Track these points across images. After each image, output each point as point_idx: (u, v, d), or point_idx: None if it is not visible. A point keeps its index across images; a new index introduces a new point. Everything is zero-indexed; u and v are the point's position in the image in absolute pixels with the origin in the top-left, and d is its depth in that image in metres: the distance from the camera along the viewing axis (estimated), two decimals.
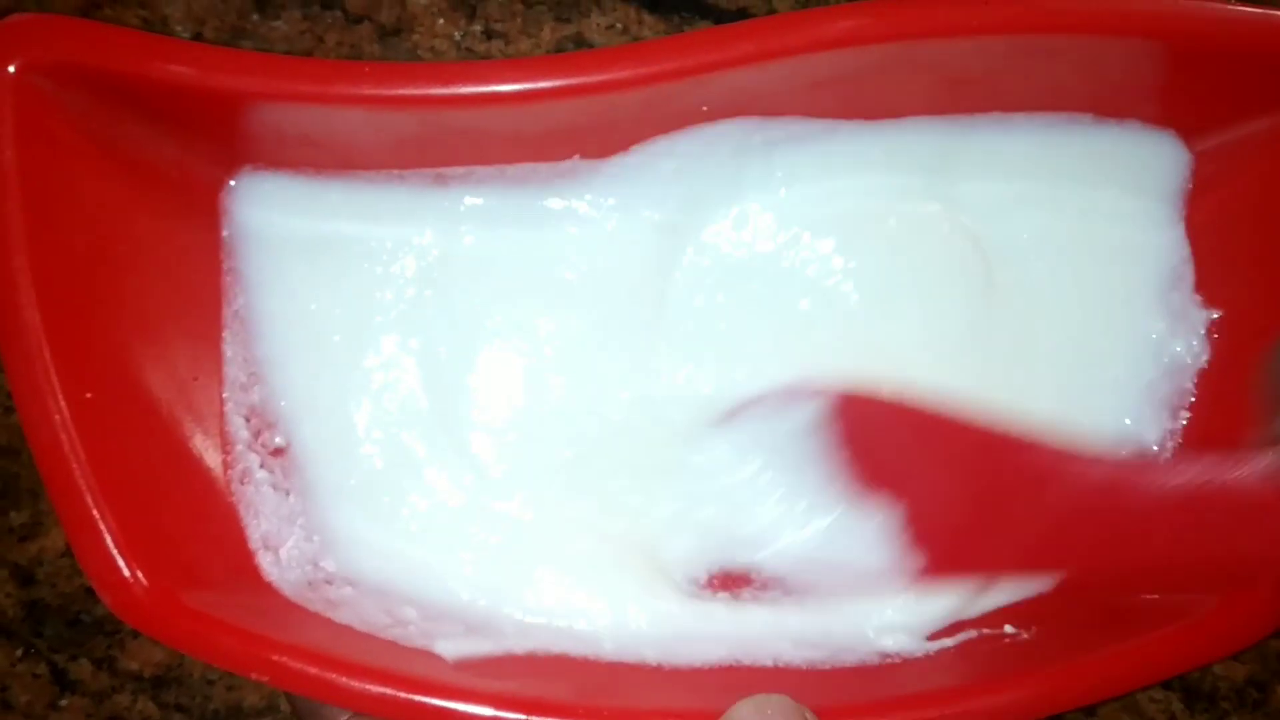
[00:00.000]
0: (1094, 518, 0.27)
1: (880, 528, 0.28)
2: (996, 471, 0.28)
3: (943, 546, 0.28)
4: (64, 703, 0.33)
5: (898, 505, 0.28)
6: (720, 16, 0.33)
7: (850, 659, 0.30)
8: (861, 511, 0.28)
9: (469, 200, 0.30)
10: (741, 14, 0.33)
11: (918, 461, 0.28)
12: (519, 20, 0.33)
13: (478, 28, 0.33)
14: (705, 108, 0.29)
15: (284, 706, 0.33)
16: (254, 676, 0.26)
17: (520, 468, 0.31)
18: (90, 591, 0.33)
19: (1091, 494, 0.27)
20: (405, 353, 0.30)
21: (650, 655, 0.29)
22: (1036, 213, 0.31)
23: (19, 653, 0.33)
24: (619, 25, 0.33)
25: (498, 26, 0.33)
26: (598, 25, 0.33)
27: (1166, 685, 0.33)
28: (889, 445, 0.29)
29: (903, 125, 0.30)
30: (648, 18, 0.33)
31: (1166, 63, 0.29)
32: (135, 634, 0.33)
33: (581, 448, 0.30)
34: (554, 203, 0.30)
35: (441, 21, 0.33)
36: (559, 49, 0.33)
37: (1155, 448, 0.31)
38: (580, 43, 0.33)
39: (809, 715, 0.26)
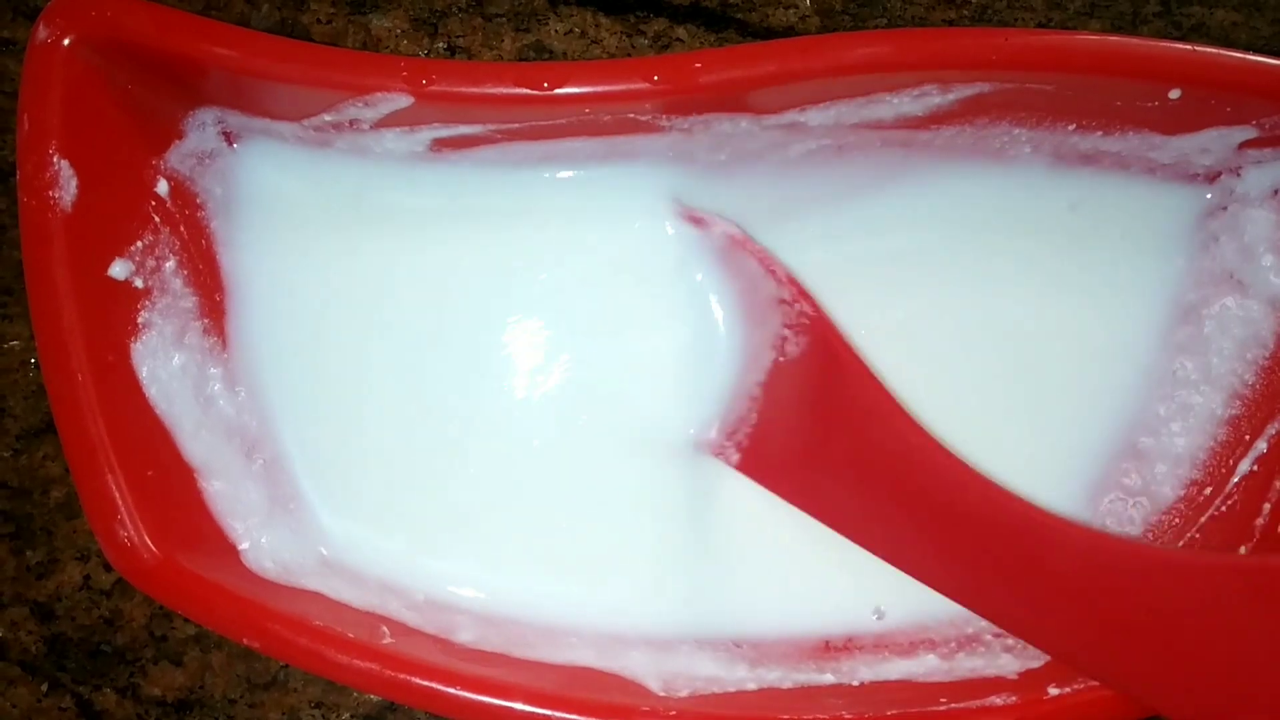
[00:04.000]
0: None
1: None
2: (869, 439, 0.29)
3: (767, 452, 0.30)
4: None
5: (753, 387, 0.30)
6: (674, 14, 0.34)
7: None
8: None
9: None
10: (694, 10, 0.34)
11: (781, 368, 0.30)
12: (480, 34, 0.34)
13: (441, 44, 0.34)
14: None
15: None
16: (245, 642, 0.28)
17: (523, 457, 0.32)
18: (109, 622, 0.34)
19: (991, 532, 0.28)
20: (411, 338, 0.32)
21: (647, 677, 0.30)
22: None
23: (44, 688, 0.34)
24: (577, 30, 0.34)
25: (460, 41, 0.34)
26: (556, 32, 0.34)
27: None
28: (766, 319, 0.31)
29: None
30: (604, 20, 0.34)
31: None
32: (156, 660, 0.34)
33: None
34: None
35: (405, 42, 0.34)
36: (521, 58, 0.34)
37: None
38: (541, 50, 0.34)
39: None
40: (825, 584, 0.31)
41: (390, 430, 0.31)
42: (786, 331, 0.30)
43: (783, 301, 0.30)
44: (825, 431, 0.30)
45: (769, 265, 0.30)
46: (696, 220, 0.31)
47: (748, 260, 0.31)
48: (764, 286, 0.30)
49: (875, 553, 0.29)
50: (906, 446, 0.29)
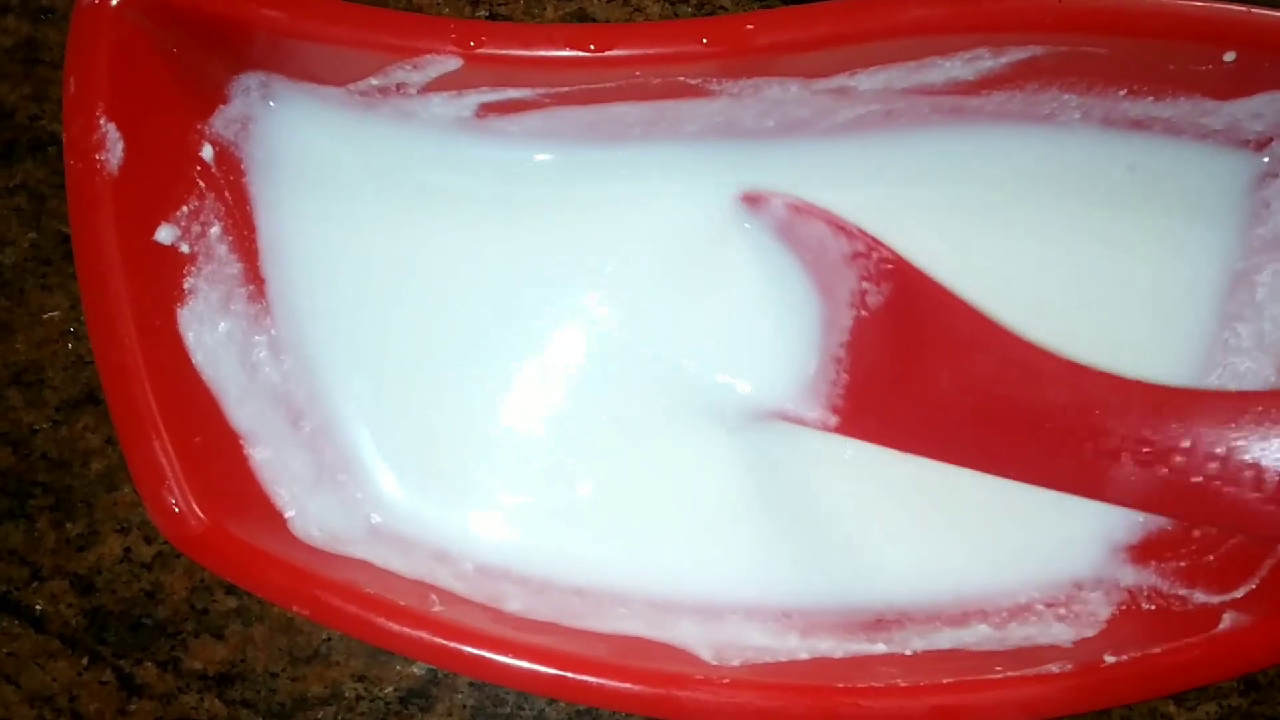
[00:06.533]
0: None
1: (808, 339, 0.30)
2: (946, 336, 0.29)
3: (866, 407, 0.30)
4: (132, 707, 0.34)
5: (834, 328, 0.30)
6: None
7: None
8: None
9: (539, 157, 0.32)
10: None
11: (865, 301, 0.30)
12: (522, 2, 0.34)
13: (483, 13, 0.34)
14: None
15: (348, 693, 0.33)
16: (295, 609, 0.27)
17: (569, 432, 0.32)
18: (150, 594, 0.33)
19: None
20: (460, 307, 0.32)
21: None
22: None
23: (85, 661, 0.34)
24: None
25: (502, 10, 0.34)
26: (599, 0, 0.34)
27: None
28: (837, 267, 0.30)
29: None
30: None
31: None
32: (197, 633, 0.33)
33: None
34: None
35: (446, 10, 0.34)
36: None
37: None
38: (583, 18, 0.34)
39: None
40: (881, 558, 0.31)
41: (440, 396, 0.31)
42: (866, 284, 0.30)
43: (858, 255, 0.30)
44: (927, 369, 0.29)
45: (836, 223, 0.30)
46: (753, 200, 0.31)
47: (813, 224, 0.30)
48: (834, 245, 0.30)
49: (1004, 474, 0.29)
50: (1016, 359, 0.29)
